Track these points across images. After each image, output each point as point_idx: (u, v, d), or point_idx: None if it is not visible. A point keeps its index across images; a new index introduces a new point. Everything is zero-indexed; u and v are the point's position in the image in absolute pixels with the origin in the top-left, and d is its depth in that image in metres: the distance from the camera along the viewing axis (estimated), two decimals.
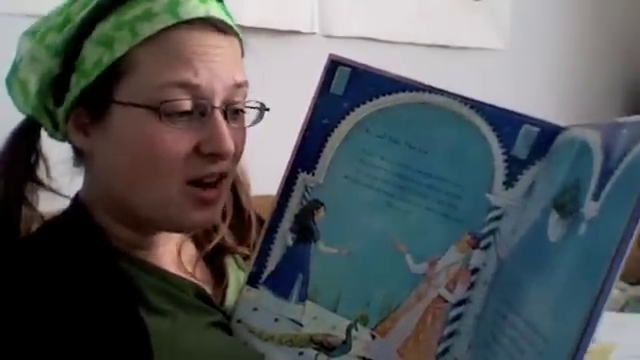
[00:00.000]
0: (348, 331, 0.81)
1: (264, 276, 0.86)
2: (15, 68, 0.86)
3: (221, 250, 0.95)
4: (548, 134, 0.75)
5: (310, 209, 0.85)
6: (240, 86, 0.83)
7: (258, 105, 0.88)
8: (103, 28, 0.81)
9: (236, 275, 0.94)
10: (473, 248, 0.77)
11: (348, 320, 0.81)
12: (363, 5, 2.01)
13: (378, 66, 0.84)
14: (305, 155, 0.86)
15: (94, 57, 0.80)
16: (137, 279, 0.83)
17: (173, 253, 0.91)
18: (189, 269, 0.90)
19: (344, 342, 0.81)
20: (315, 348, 0.83)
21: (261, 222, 0.93)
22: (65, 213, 0.89)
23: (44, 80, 0.83)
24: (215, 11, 0.82)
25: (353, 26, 1.99)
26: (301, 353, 0.83)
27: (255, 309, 0.86)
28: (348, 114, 0.84)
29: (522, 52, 2.24)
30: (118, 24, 0.80)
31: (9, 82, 0.87)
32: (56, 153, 0.89)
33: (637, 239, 0.56)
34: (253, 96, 0.87)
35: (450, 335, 0.77)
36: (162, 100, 0.78)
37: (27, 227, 0.87)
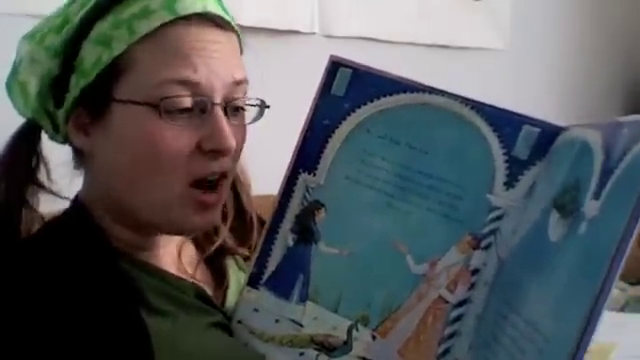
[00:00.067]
0: (349, 332, 0.81)
1: (265, 277, 0.86)
2: (15, 71, 0.86)
3: (222, 251, 0.95)
4: (548, 134, 0.75)
5: (311, 210, 0.85)
6: (240, 83, 0.83)
7: (258, 102, 0.88)
8: (101, 27, 0.81)
9: (236, 276, 0.94)
10: (474, 249, 0.77)
11: (349, 321, 0.81)
12: (363, 5, 2.01)
13: (378, 66, 0.84)
14: (306, 156, 0.86)
15: (93, 57, 0.80)
16: (137, 280, 0.83)
17: (173, 254, 0.90)
18: (189, 270, 0.90)
19: (345, 343, 0.81)
20: (316, 349, 0.83)
21: (262, 223, 0.93)
22: (65, 214, 0.89)
23: (44, 82, 0.83)
24: (212, 7, 0.82)
25: (353, 26, 1.99)
26: (302, 354, 0.83)
27: (256, 310, 0.86)
28: (349, 115, 0.84)
29: (522, 52, 2.24)
30: (116, 23, 0.80)
31: (9, 85, 0.87)
32: (56, 155, 0.89)
33: (637, 239, 0.56)
34: (253, 96, 0.87)
35: (451, 336, 0.77)
36: (162, 97, 0.78)
37: (28, 229, 0.87)
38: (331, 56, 0.86)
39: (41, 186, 0.88)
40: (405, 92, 0.82)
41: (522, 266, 0.71)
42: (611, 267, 0.55)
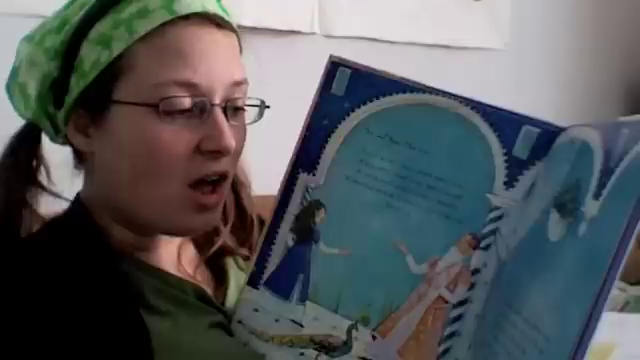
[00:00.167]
0: (349, 331, 0.81)
1: (265, 277, 0.86)
2: (15, 73, 0.86)
3: (221, 251, 0.95)
4: (548, 134, 0.75)
5: (311, 210, 0.85)
6: (239, 84, 0.83)
7: (258, 102, 0.88)
8: (100, 28, 0.81)
9: (236, 276, 0.94)
10: (474, 248, 0.77)
11: (349, 320, 0.81)
12: (363, 5, 2.00)
13: (378, 66, 0.84)
14: (306, 156, 0.86)
15: (92, 57, 0.80)
16: (138, 280, 0.83)
17: (173, 255, 0.90)
18: (189, 271, 0.90)
19: (345, 342, 0.81)
20: (316, 349, 0.83)
21: (262, 223, 0.93)
22: (65, 214, 0.89)
23: (44, 83, 0.83)
24: (212, 6, 0.82)
25: (353, 26, 1.99)
26: (302, 354, 0.83)
27: (256, 310, 0.86)
28: (349, 115, 0.84)
29: (522, 52, 2.23)
30: (115, 23, 0.80)
31: (9, 87, 0.87)
32: (57, 157, 0.90)
33: (637, 239, 0.56)
34: (253, 96, 0.87)
35: (451, 335, 0.77)
36: (161, 98, 0.78)
37: (28, 230, 0.87)
38: (331, 56, 0.86)
39: (41, 187, 0.88)
40: (405, 92, 0.82)
41: (522, 266, 0.71)
42: (611, 267, 0.55)
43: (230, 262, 0.96)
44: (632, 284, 1.49)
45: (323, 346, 0.82)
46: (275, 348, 0.85)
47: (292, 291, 0.85)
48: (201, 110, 0.80)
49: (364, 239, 0.82)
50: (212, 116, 0.80)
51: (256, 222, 0.97)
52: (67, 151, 0.89)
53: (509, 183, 0.77)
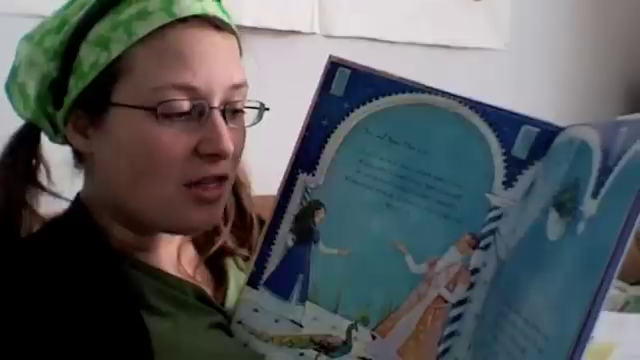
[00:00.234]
0: (348, 331, 0.81)
1: (264, 277, 0.86)
2: (14, 73, 0.86)
3: (221, 252, 0.95)
4: (547, 134, 0.75)
5: (310, 210, 0.85)
6: (239, 86, 0.83)
7: (257, 105, 0.87)
8: (99, 29, 0.80)
9: (236, 276, 0.94)
10: (473, 248, 0.77)
11: (348, 321, 0.81)
12: (363, 5, 2.00)
13: (378, 66, 0.84)
14: (305, 156, 0.86)
15: (91, 58, 0.80)
16: (138, 281, 0.83)
17: (173, 255, 0.90)
18: (189, 271, 0.90)
19: (344, 343, 0.81)
20: (315, 349, 0.83)
21: (262, 222, 0.93)
22: (66, 214, 0.89)
23: (43, 83, 0.83)
24: (211, 8, 0.82)
25: (353, 26, 1.99)
26: (302, 354, 0.83)
27: (255, 310, 0.86)
28: (348, 115, 0.84)
29: (522, 52, 2.23)
30: (114, 24, 0.80)
31: (8, 87, 0.87)
32: (56, 156, 0.90)
33: (637, 240, 0.56)
34: (253, 96, 0.87)
35: (450, 335, 0.77)
36: (159, 101, 0.78)
37: (28, 230, 0.87)
38: (330, 56, 0.86)
39: (41, 187, 0.88)
40: (404, 92, 0.82)
41: (521, 265, 0.71)
42: (609, 265, 0.55)
43: (230, 262, 0.96)
44: (632, 284, 1.49)
45: (323, 346, 0.82)
46: (275, 348, 0.85)
47: (292, 291, 0.85)
48: (200, 113, 0.80)
49: (363, 239, 0.82)
50: (211, 119, 0.80)
51: (256, 222, 0.97)
52: (67, 151, 0.89)
53: (508, 183, 0.77)
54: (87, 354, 0.75)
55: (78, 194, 0.90)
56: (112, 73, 0.80)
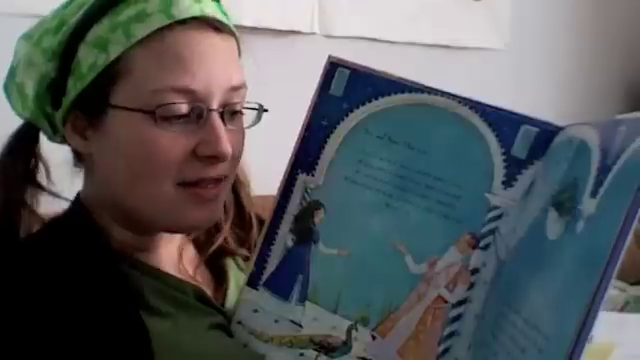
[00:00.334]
0: (348, 332, 0.81)
1: (264, 277, 0.86)
2: (12, 73, 0.86)
3: (221, 252, 0.95)
4: (547, 134, 0.75)
5: (310, 210, 0.85)
6: (238, 88, 0.83)
7: (256, 106, 0.87)
8: (98, 30, 0.80)
9: (236, 277, 0.94)
10: (473, 248, 0.77)
11: (348, 321, 0.81)
12: (363, 5, 2.00)
13: (378, 66, 0.84)
14: (304, 156, 0.86)
15: (89, 60, 0.80)
16: (137, 281, 0.83)
17: (174, 255, 0.90)
18: (190, 271, 0.90)
19: (344, 343, 0.81)
20: (315, 349, 0.83)
21: (261, 222, 0.93)
22: (66, 214, 0.89)
23: (41, 84, 0.83)
24: (210, 10, 0.81)
25: (353, 26, 1.99)
26: (301, 354, 0.83)
27: (255, 310, 0.86)
28: (347, 115, 0.84)
29: (522, 52, 2.23)
30: (112, 26, 0.80)
31: (7, 87, 0.87)
32: (56, 156, 0.90)
33: (637, 240, 0.56)
34: (253, 96, 0.87)
35: (450, 335, 0.77)
36: (158, 104, 0.78)
37: (27, 230, 0.87)
38: (329, 56, 0.86)
39: (40, 187, 0.88)
40: (403, 92, 0.82)
41: (521, 265, 0.71)
42: (608, 264, 0.55)
43: (230, 263, 0.96)
44: (632, 284, 1.49)
45: (323, 346, 0.82)
46: (275, 349, 0.84)
47: (291, 292, 0.85)
48: (198, 116, 0.80)
49: (363, 239, 0.82)
50: (209, 121, 0.80)
51: (255, 221, 0.97)
52: (67, 150, 0.89)
53: (508, 182, 0.77)
54: (87, 354, 0.75)
55: (78, 194, 0.90)
56: (110, 75, 0.79)
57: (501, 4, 2.21)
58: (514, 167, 0.76)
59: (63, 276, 0.80)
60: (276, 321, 0.85)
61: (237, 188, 0.95)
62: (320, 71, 0.86)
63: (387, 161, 0.81)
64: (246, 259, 0.96)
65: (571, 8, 2.35)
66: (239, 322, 0.87)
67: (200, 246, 0.94)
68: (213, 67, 0.80)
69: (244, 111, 0.86)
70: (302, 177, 0.86)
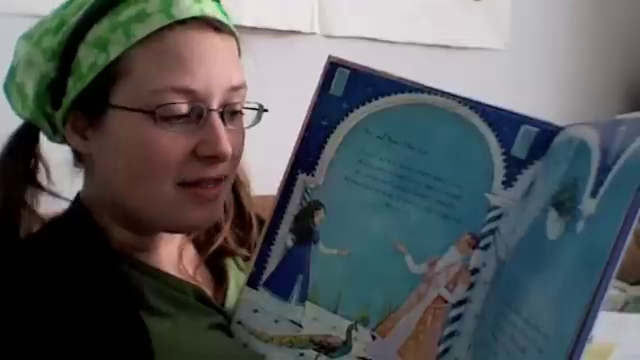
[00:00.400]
0: (348, 332, 0.81)
1: (264, 277, 0.86)
2: (12, 73, 0.86)
3: (221, 252, 0.95)
4: (547, 134, 0.75)
5: (310, 210, 0.85)
6: (238, 88, 0.83)
7: (256, 106, 0.87)
8: (98, 30, 0.80)
9: (236, 276, 0.94)
10: (473, 248, 0.77)
11: (348, 321, 0.81)
12: (363, 5, 2.00)
13: (378, 66, 0.84)
14: (304, 156, 0.86)
15: (89, 60, 0.80)
16: (137, 281, 0.83)
17: (174, 255, 0.90)
18: (190, 271, 0.90)
19: (344, 343, 0.81)
20: (315, 349, 0.83)
21: (261, 222, 0.93)
22: (66, 214, 0.89)
23: (41, 84, 0.83)
24: (210, 10, 0.81)
25: (353, 26, 1.99)
26: (301, 354, 0.83)
27: (255, 310, 0.86)
28: (347, 115, 0.84)
29: (522, 52, 2.23)
30: (112, 26, 0.80)
31: (7, 87, 0.87)
32: (56, 156, 0.90)
33: (637, 240, 0.56)
34: (253, 96, 0.87)
35: (450, 335, 0.77)
36: (158, 104, 0.78)
37: (27, 230, 0.87)
38: (329, 56, 0.86)
39: (40, 187, 0.88)
40: (403, 92, 0.82)
41: (521, 265, 0.71)
42: (608, 264, 0.55)
43: (230, 263, 0.96)
44: (632, 284, 1.49)
45: (322, 346, 0.82)
46: (275, 349, 0.84)
47: (291, 292, 0.85)
48: (198, 116, 0.80)
49: (363, 239, 0.82)
50: (209, 121, 0.80)
51: (255, 221, 0.97)
52: (67, 150, 0.89)
53: (508, 182, 0.77)
54: (87, 354, 0.75)
55: (78, 194, 0.90)
56: (110, 75, 0.79)
57: (501, 4, 2.21)
58: (514, 167, 0.76)
59: (63, 276, 0.80)
60: (276, 321, 0.85)
61: (237, 188, 0.95)
62: (320, 71, 0.86)
63: (387, 161, 0.81)
64: (246, 259, 0.96)
65: (571, 8, 2.35)
66: (239, 322, 0.87)
67: (200, 246, 0.94)
68: (213, 67, 0.80)
69: (244, 111, 0.86)
70: (302, 177, 0.86)
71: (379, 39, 2.02)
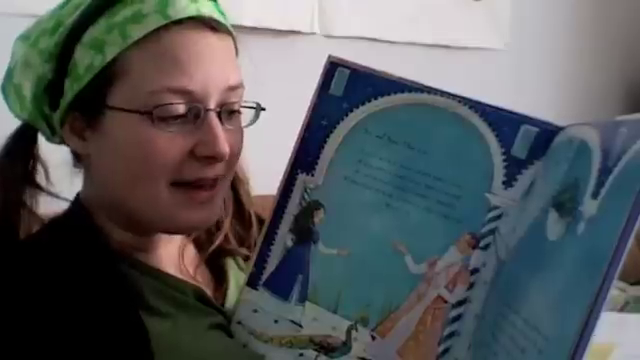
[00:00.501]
0: (348, 332, 0.81)
1: (264, 277, 0.86)
2: (10, 74, 0.86)
3: (222, 252, 0.95)
4: (547, 134, 0.75)
5: (309, 210, 0.85)
6: (235, 88, 0.82)
7: (254, 105, 0.87)
8: (94, 31, 0.80)
9: (236, 276, 0.94)
10: (473, 248, 0.77)
11: (348, 321, 0.81)
12: (363, 5, 2.00)
13: (378, 66, 0.84)
14: (304, 156, 0.86)
15: (86, 61, 0.80)
16: (137, 281, 0.83)
17: (174, 255, 0.90)
18: (190, 271, 0.90)
19: (344, 343, 0.81)
20: (315, 349, 0.83)
21: (261, 222, 0.93)
22: (65, 215, 0.89)
23: (39, 85, 0.83)
24: (206, 9, 0.81)
25: (353, 26, 1.99)
26: (301, 354, 0.83)
27: (255, 310, 0.86)
28: (347, 115, 0.84)
29: (522, 52, 2.23)
30: (108, 27, 0.79)
31: (4, 88, 0.87)
32: (56, 157, 0.89)
33: (637, 240, 0.56)
34: (253, 97, 0.87)
35: (450, 335, 0.77)
36: (155, 105, 0.78)
37: (27, 231, 0.87)
38: (329, 56, 0.86)
39: (39, 188, 0.88)
40: (403, 92, 0.82)
41: (521, 265, 0.71)
42: (610, 266, 0.55)
43: (230, 263, 0.96)
44: (632, 284, 1.49)
45: (322, 346, 0.82)
46: (274, 349, 0.84)
47: (291, 292, 0.85)
48: (195, 116, 0.80)
49: (363, 239, 0.82)
50: (206, 121, 0.80)
51: (255, 219, 0.97)
52: (66, 151, 0.89)
53: (508, 182, 0.77)
54: (87, 355, 0.75)
55: (78, 194, 0.90)
56: (107, 76, 0.79)
57: (501, 4, 2.21)
58: (514, 167, 0.76)
59: (62, 276, 0.80)
60: (276, 321, 0.85)
61: (236, 185, 0.95)
62: (320, 71, 0.86)
63: (387, 161, 0.81)
64: (246, 259, 0.96)
65: (571, 8, 2.35)
66: (239, 322, 0.87)
67: (200, 245, 0.94)
68: (210, 67, 0.80)
69: (242, 110, 0.86)
70: (302, 177, 0.85)
71: (379, 39, 2.02)
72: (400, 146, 0.81)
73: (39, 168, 0.88)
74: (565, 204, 0.65)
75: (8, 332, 0.75)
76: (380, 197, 0.81)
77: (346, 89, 0.84)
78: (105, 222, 0.86)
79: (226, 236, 0.95)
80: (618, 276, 0.55)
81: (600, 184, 0.60)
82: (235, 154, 0.84)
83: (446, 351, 0.77)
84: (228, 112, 0.83)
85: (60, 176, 0.90)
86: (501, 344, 0.68)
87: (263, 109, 0.88)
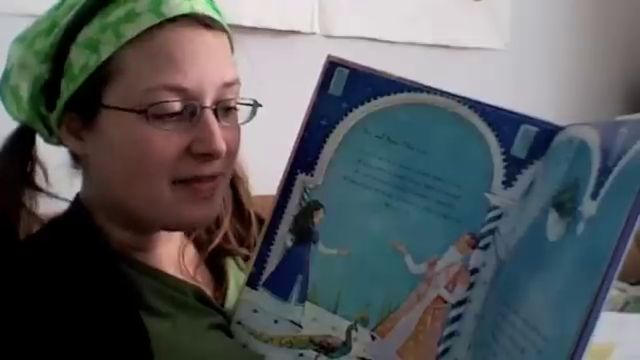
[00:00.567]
0: (348, 332, 0.81)
1: (263, 277, 0.86)
2: (6, 76, 0.85)
3: (222, 251, 0.95)
4: (547, 134, 0.75)
5: (309, 210, 0.85)
6: (231, 84, 0.82)
7: (251, 102, 0.87)
8: (88, 31, 0.80)
9: (236, 277, 0.94)
10: (472, 248, 0.77)
11: (348, 321, 0.81)
12: (363, 5, 2.00)
13: (378, 66, 0.84)
14: (304, 156, 0.86)
15: (81, 61, 0.80)
16: (137, 281, 0.83)
17: (173, 255, 0.90)
18: (190, 271, 0.90)
19: (344, 343, 0.81)
20: (315, 349, 0.82)
21: (261, 221, 0.93)
22: (65, 215, 0.89)
23: (35, 86, 0.83)
24: (200, 7, 0.81)
25: (353, 26, 1.99)
26: (301, 354, 0.83)
27: (255, 311, 0.86)
28: (346, 115, 0.84)
29: (522, 52, 2.24)
30: (102, 26, 0.79)
31: (1, 90, 0.86)
32: (55, 157, 0.89)
33: (637, 240, 0.56)
34: (252, 96, 0.87)
35: (450, 335, 0.77)
36: (150, 103, 0.78)
37: (27, 232, 0.87)
38: (328, 56, 0.86)
39: (38, 189, 0.88)
40: (402, 92, 0.82)
41: (521, 265, 0.71)
42: (610, 266, 0.55)
43: (230, 262, 0.96)
44: (632, 284, 1.50)
45: (322, 347, 0.82)
46: (274, 349, 0.84)
47: (291, 292, 0.84)
48: (191, 113, 0.79)
49: (363, 239, 0.81)
50: (202, 119, 0.79)
51: (254, 218, 0.97)
52: (65, 152, 0.89)
53: (507, 182, 0.76)
54: (86, 355, 0.75)
55: (77, 195, 0.90)
56: (102, 75, 0.79)
57: (501, 4, 2.21)
58: (514, 167, 0.76)
59: (62, 276, 0.80)
60: (276, 321, 0.85)
61: (235, 184, 0.95)
62: (320, 71, 0.86)
63: (386, 161, 0.81)
64: (246, 258, 0.96)
65: (571, 8, 2.35)
66: (239, 322, 0.87)
67: (200, 244, 0.94)
68: (205, 64, 0.80)
69: (239, 107, 0.86)
70: (301, 177, 0.85)
71: (379, 39, 2.02)
72: (400, 146, 0.81)
73: (38, 169, 0.88)
74: (565, 204, 0.65)
75: (8, 332, 0.75)
76: (380, 197, 0.81)
77: (345, 89, 0.84)
78: (105, 222, 0.86)
79: (226, 235, 0.94)
80: (618, 276, 0.55)
81: (600, 184, 0.60)
82: (232, 151, 0.84)
83: (446, 351, 0.77)
84: (224, 109, 0.82)
85: (60, 177, 0.90)
86: (501, 344, 0.68)
87: (260, 105, 0.87)
